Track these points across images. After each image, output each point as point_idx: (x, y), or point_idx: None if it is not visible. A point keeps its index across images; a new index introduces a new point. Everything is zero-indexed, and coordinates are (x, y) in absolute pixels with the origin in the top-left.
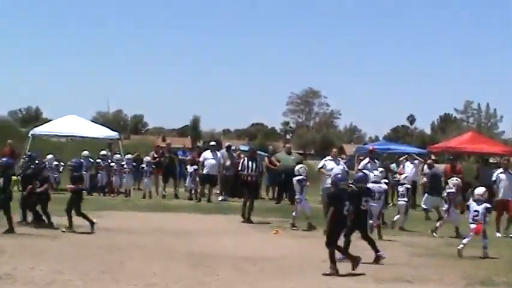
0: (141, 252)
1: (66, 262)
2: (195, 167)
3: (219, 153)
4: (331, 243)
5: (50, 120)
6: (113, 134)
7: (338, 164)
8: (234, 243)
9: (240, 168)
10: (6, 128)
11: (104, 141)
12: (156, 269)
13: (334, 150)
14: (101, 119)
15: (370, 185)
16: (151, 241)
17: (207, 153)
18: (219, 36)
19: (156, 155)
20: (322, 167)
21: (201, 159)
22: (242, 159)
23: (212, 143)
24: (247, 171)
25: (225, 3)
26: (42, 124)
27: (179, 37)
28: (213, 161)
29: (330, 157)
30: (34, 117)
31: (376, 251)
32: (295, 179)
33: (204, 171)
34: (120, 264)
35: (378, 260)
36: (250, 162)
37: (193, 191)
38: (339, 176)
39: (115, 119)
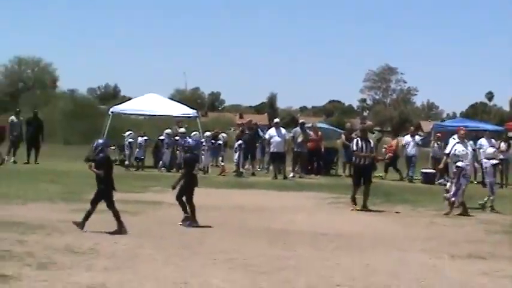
0: (221, 228)
1: (148, 237)
2: (240, 141)
3: (283, 130)
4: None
5: (129, 98)
6: (192, 112)
7: (466, 147)
8: (310, 220)
9: (354, 149)
10: (86, 105)
11: (180, 119)
12: (235, 245)
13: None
14: (179, 97)
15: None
16: (230, 218)
17: (272, 131)
18: (295, 16)
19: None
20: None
21: (266, 136)
22: (355, 139)
23: (276, 120)
24: (363, 152)
25: None
26: (122, 102)
27: (255, 16)
28: (279, 139)
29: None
30: (112, 95)
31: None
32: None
33: (271, 150)
34: (200, 240)
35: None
36: (363, 143)
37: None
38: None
39: (192, 97)
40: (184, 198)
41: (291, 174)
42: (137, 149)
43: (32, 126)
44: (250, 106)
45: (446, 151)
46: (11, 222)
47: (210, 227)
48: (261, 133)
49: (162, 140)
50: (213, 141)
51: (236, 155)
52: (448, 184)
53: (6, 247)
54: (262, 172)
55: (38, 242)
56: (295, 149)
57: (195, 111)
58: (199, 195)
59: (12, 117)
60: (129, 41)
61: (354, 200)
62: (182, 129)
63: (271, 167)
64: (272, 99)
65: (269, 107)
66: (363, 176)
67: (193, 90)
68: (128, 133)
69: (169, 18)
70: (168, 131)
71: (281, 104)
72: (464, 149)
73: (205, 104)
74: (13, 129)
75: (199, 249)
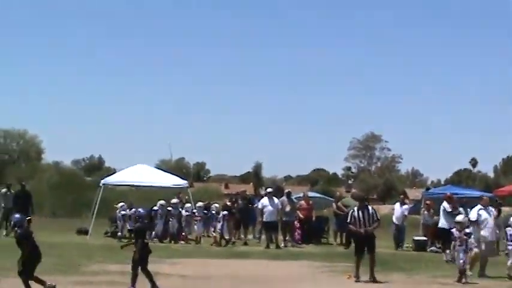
0: None
1: None
2: (226, 212)
3: (276, 200)
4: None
5: (114, 169)
6: (183, 183)
7: (490, 215)
8: None
9: (349, 221)
10: (72, 177)
11: (172, 190)
12: None
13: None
14: (164, 167)
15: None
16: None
17: (265, 200)
18: (278, 85)
19: (228, 202)
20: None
21: (259, 206)
22: (351, 211)
23: (269, 189)
24: (360, 223)
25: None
26: (111, 174)
27: (238, 85)
28: (271, 208)
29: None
30: (97, 167)
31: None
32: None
33: (264, 219)
34: None
35: None
36: (360, 213)
37: (219, 236)
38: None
39: (178, 167)
40: (139, 269)
41: (283, 244)
42: (129, 220)
43: (21, 199)
44: (235, 176)
45: (473, 218)
46: None
47: None
48: (255, 203)
49: (156, 210)
50: (205, 212)
51: (219, 225)
52: (456, 253)
53: None
54: (254, 241)
55: None
56: (284, 218)
57: (185, 181)
58: (194, 265)
59: (4, 190)
60: (112, 111)
61: (357, 275)
62: (174, 200)
63: (263, 236)
64: (257, 169)
65: (254, 176)
66: (367, 245)
67: (178, 160)
68: (120, 204)
69: (153, 86)
70: (162, 202)
71: (266, 173)
72: (487, 216)
73: (191, 174)
74: (5, 201)
75: None
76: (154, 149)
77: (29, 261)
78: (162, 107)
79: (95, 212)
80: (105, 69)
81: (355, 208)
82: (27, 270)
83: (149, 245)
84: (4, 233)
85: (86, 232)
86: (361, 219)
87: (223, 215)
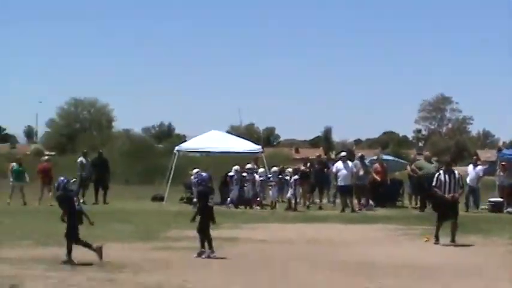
0: (301, 262)
1: (233, 274)
2: (296, 176)
3: (350, 163)
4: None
5: (184, 136)
6: (256, 148)
7: None
8: (386, 251)
9: (434, 184)
10: (143, 145)
11: (245, 156)
12: (320, 278)
13: None
14: (234, 133)
15: None
16: (308, 251)
17: (339, 164)
18: (348, 48)
19: (303, 167)
20: None
21: (333, 170)
22: (437, 174)
23: (343, 153)
24: (446, 188)
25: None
26: (184, 141)
27: (307, 50)
28: (346, 172)
29: None
30: (167, 134)
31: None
32: None
33: (339, 183)
34: (286, 275)
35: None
36: (447, 177)
37: (292, 201)
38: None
39: (248, 132)
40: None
41: (357, 207)
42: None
43: (98, 167)
44: (305, 140)
45: None
46: (97, 262)
47: (291, 261)
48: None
49: (231, 176)
50: (280, 177)
51: (291, 190)
52: None
53: (98, 286)
54: (329, 205)
55: (127, 280)
56: (357, 182)
57: (259, 147)
58: (271, 230)
59: (81, 158)
60: (181, 78)
61: (437, 238)
62: (249, 165)
63: (337, 200)
64: (327, 133)
65: (324, 141)
66: (451, 211)
67: (248, 126)
68: (195, 171)
69: (223, 55)
70: (237, 167)
71: (336, 137)
72: None
73: (261, 139)
74: (82, 170)
75: (287, 285)
76: (223, 115)
77: (71, 223)
78: (231, 72)
79: (170, 179)
80: (171, 36)
81: (441, 171)
82: (73, 233)
83: (213, 209)
84: (82, 200)
85: (161, 199)
86: (447, 183)
87: (294, 180)
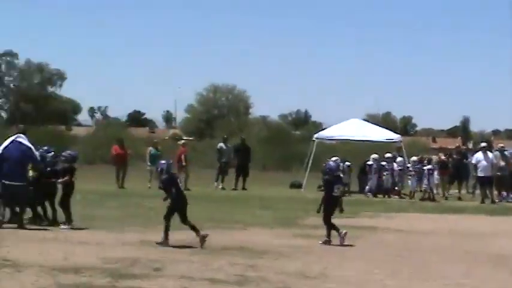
0: (441, 253)
1: (373, 263)
2: (429, 166)
3: (490, 155)
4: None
5: (320, 124)
6: (395, 137)
7: None
8: None
9: None
10: (280, 131)
11: (384, 144)
12: (461, 270)
13: None
14: (371, 121)
15: None
16: (448, 242)
17: (479, 155)
18: (491, 34)
19: (443, 157)
20: None
21: (473, 161)
22: None
23: (483, 144)
24: None
25: None
26: (323, 129)
27: (445, 38)
28: (486, 163)
29: None
30: (303, 121)
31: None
32: None
33: (479, 174)
34: (426, 265)
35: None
36: None
37: (428, 191)
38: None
39: (384, 121)
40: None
41: (497, 199)
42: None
43: (241, 153)
44: (442, 130)
45: None
46: (238, 247)
47: (430, 251)
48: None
49: (370, 165)
50: (418, 166)
51: (425, 180)
52: None
53: (240, 272)
54: (468, 196)
55: (269, 266)
56: (497, 173)
57: (398, 135)
58: (410, 219)
59: (221, 144)
60: (320, 67)
61: None
62: (388, 154)
63: (477, 191)
64: (465, 123)
65: (462, 131)
66: None
67: (385, 114)
68: (333, 159)
69: (360, 42)
70: (375, 156)
71: (474, 127)
72: None
73: (398, 128)
74: (222, 155)
75: (427, 275)
76: (360, 103)
77: (175, 206)
78: (368, 60)
79: (309, 166)
80: (306, 25)
81: None
82: (169, 215)
83: (338, 198)
84: (220, 186)
85: (299, 186)
86: None
87: (428, 170)
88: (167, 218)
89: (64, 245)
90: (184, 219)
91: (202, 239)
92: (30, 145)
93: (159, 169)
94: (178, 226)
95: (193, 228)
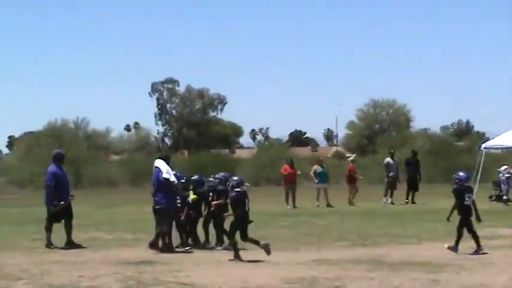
0: None
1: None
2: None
3: None
4: None
5: (483, 134)
6: None
7: None
8: None
9: None
10: (444, 143)
11: None
12: None
13: None
14: None
15: None
16: None
17: None
18: None
19: None
20: None
21: None
22: None
23: None
24: None
25: None
26: (487, 139)
27: None
28: None
29: None
30: (465, 131)
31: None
32: None
33: None
34: None
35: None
36: None
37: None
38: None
39: None
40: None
41: None
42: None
43: (412, 166)
44: None
45: None
46: (416, 262)
47: None
48: None
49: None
50: None
51: None
52: None
53: (421, 286)
54: None
55: (451, 280)
56: None
57: None
58: None
59: (388, 159)
60: (472, 75)
61: None
62: None
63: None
64: None
65: None
66: None
67: None
68: (503, 168)
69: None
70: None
71: None
72: None
73: None
74: (389, 170)
75: None
76: None
77: (239, 224)
78: None
79: (479, 177)
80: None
81: None
82: (233, 233)
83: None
84: (390, 201)
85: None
86: None
87: None
88: (232, 235)
89: (240, 266)
90: (245, 237)
91: (266, 247)
92: (157, 165)
93: (230, 184)
94: (360, 242)
95: (254, 242)
